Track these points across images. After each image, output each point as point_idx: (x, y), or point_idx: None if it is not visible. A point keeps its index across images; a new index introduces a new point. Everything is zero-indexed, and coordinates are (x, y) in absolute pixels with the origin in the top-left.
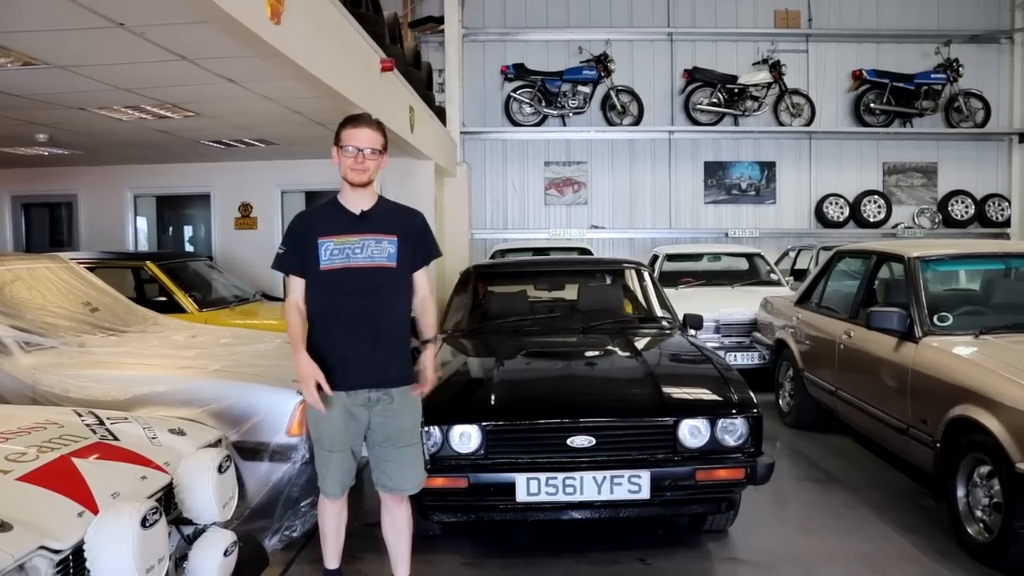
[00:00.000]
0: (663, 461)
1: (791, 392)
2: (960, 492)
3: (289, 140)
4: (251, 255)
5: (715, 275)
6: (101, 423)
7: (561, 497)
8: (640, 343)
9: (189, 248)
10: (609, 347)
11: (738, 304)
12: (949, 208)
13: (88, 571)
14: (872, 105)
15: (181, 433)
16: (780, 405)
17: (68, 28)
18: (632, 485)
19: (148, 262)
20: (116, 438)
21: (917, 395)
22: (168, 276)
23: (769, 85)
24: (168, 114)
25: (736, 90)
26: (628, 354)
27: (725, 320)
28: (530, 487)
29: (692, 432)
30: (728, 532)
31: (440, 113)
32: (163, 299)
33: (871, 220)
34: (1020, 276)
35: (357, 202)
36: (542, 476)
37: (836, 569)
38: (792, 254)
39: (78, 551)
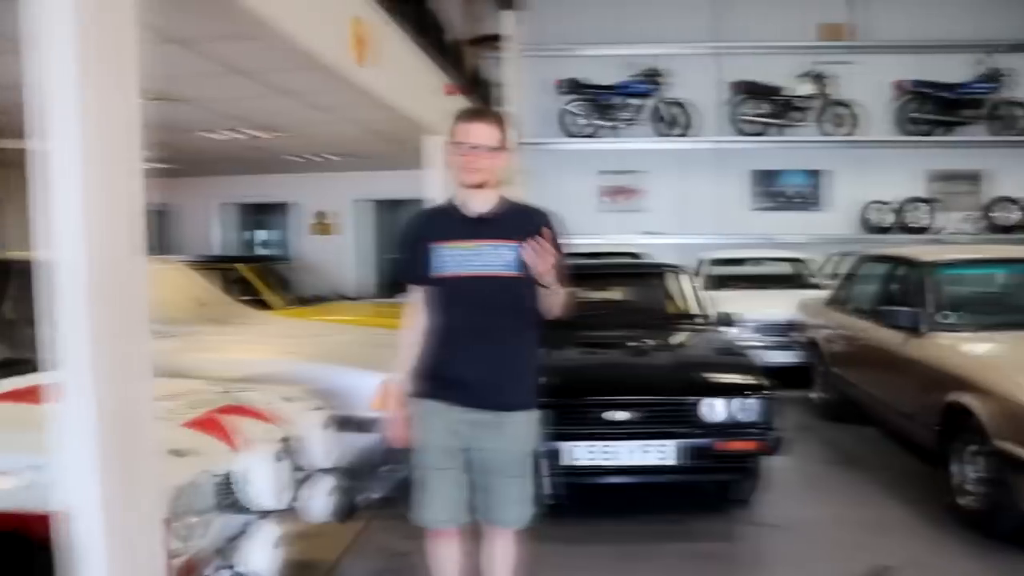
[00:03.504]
0: (687, 433)
1: (823, 387)
2: (954, 468)
3: (363, 155)
4: (328, 259)
5: (759, 279)
6: (228, 392)
7: (603, 462)
8: (674, 336)
9: (268, 252)
10: (646, 339)
11: (777, 306)
12: (994, 214)
13: (235, 492)
14: (916, 114)
15: (290, 400)
16: (814, 399)
17: (200, 74)
18: (661, 452)
19: (238, 264)
20: (243, 402)
21: (921, 384)
22: (257, 277)
23: (814, 96)
24: (261, 134)
25: (782, 101)
26: (662, 344)
27: (765, 320)
28: (574, 453)
29: (712, 409)
30: (751, 501)
31: None
32: (251, 298)
33: (916, 226)
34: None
35: (474, 204)
36: (584, 444)
37: (842, 532)
38: (836, 259)
39: (227, 477)
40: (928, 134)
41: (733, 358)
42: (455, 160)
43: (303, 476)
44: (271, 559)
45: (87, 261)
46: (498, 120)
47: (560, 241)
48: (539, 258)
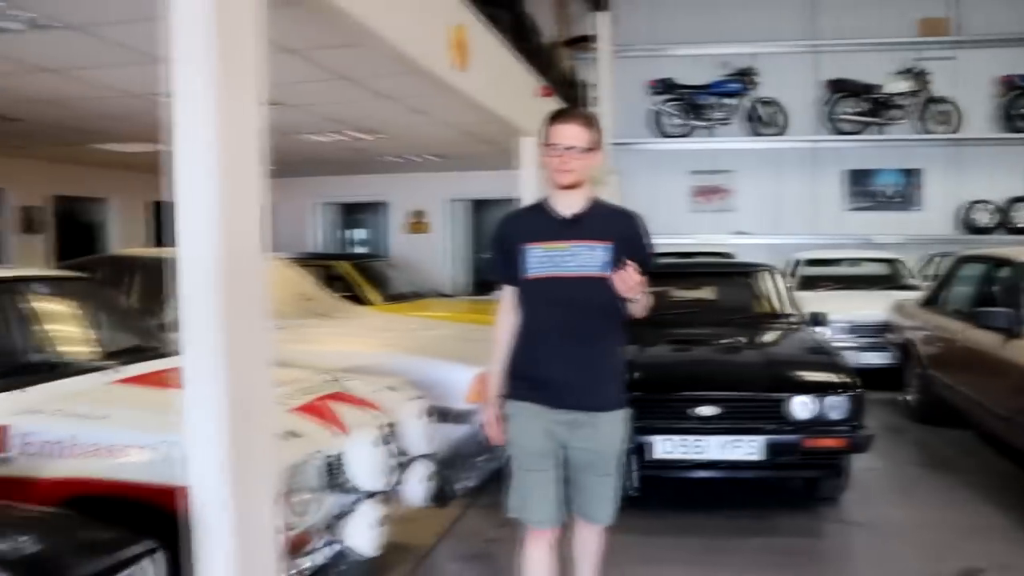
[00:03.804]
0: (776, 430)
1: (917, 389)
2: None
3: (458, 155)
4: (422, 257)
5: (854, 279)
6: (336, 380)
7: (690, 456)
8: (764, 335)
9: (364, 250)
10: (737, 337)
11: (872, 306)
12: None
13: (341, 473)
14: (1020, 111)
15: (391, 390)
16: (908, 401)
17: (308, 80)
18: (749, 448)
19: (338, 261)
20: (347, 390)
21: (1018, 387)
22: (355, 273)
23: (913, 93)
24: (363, 136)
25: (879, 99)
26: (752, 342)
27: (859, 321)
28: (665, 447)
29: (801, 406)
30: (839, 500)
31: None
32: (349, 294)
33: (1021, 226)
34: None
35: (566, 205)
36: (675, 438)
37: (931, 533)
38: (937, 260)
39: (334, 459)
40: None
41: (822, 356)
42: (547, 161)
43: (402, 461)
44: (373, 537)
45: (219, 257)
46: (589, 121)
47: (646, 242)
48: (625, 285)
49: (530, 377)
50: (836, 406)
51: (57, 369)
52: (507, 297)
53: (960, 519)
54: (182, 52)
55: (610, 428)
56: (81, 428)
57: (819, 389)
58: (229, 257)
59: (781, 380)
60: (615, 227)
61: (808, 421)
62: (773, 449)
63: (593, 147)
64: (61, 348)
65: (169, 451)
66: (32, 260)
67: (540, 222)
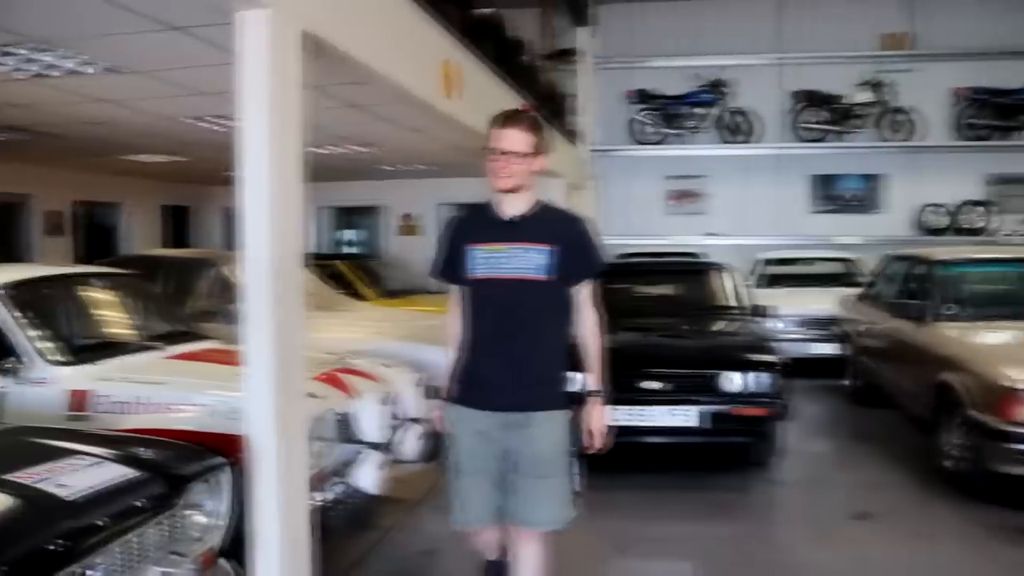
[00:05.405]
0: (710, 401)
1: (854, 375)
2: (942, 437)
3: (446, 165)
4: (413, 257)
5: (812, 277)
6: (343, 359)
7: (636, 422)
8: (710, 324)
9: (359, 250)
10: (685, 325)
11: (822, 302)
12: None
13: (350, 428)
14: (974, 120)
15: (389, 367)
16: (847, 386)
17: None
18: (686, 416)
19: (336, 261)
20: (353, 366)
21: (922, 367)
22: (352, 272)
23: (874, 104)
24: (362, 149)
25: (842, 109)
26: (698, 330)
27: (809, 315)
28: (614, 415)
29: (730, 381)
30: (768, 464)
31: (573, 133)
32: (347, 290)
33: (971, 228)
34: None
35: (509, 207)
36: (623, 408)
37: (839, 489)
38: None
39: (345, 416)
40: (986, 139)
41: (752, 341)
42: (488, 165)
43: (399, 423)
44: (375, 479)
45: (273, 257)
46: (531, 124)
47: (591, 246)
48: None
49: (468, 379)
50: (761, 381)
51: (117, 348)
52: (455, 297)
53: (868, 478)
54: (248, 94)
55: (546, 429)
56: (144, 391)
57: (747, 367)
58: (280, 257)
59: (715, 359)
60: (557, 231)
61: (737, 393)
62: (707, 417)
63: (535, 151)
64: (118, 331)
65: (215, 407)
66: (57, 260)
67: (483, 223)
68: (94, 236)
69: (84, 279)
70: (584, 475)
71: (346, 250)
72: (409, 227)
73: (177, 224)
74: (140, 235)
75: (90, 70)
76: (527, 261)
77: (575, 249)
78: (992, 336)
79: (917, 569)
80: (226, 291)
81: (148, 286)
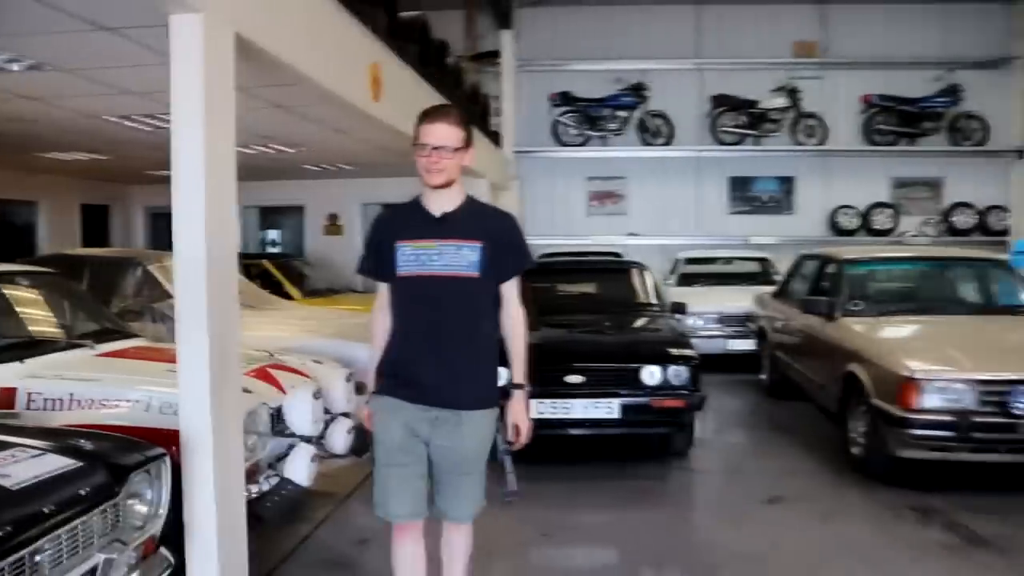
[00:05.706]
0: (629, 393)
1: (769, 369)
2: (850, 425)
3: (371, 164)
4: (337, 257)
5: (728, 276)
6: (272, 356)
7: (559, 415)
8: (630, 320)
9: (284, 250)
10: (606, 321)
11: (738, 300)
12: (953, 218)
13: (282, 422)
14: (881, 126)
15: (319, 363)
16: (762, 380)
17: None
18: (607, 408)
19: (263, 260)
20: (284, 362)
21: (831, 360)
22: (278, 271)
23: (786, 109)
24: (287, 149)
25: (757, 113)
26: (618, 326)
27: (726, 312)
28: (538, 408)
29: (650, 375)
30: (687, 454)
31: (496, 135)
32: (274, 289)
33: (880, 229)
34: (927, 274)
35: (438, 204)
36: (547, 401)
37: (756, 476)
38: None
39: (277, 411)
40: (892, 144)
41: (669, 336)
42: (418, 161)
43: (329, 417)
44: (307, 472)
45: (206, 255)
46: (459, 119)
47: (519, 242)
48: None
49: (397, 374)
50: (677, 374)
51: (45, 345)
52: (383, 294)
53: (781, 466)
54: (181, 96)
55: (474, 427)
56: (77, 388)
57: (664, 360)
58: (214, 257)
59: (634, 354)
60: (486, 227)
61: (655, 386)
62: (627, 409)
63: (463, 145)
64: (44, 329)
65: (149, 403)
66: None
67: (412, 220)
68: (9, 235)
69: (7, 277)
70: (514, 473)
71: (271, 250)
72: (334, 227)
73: (97, 223)
74: (58, 234)
75: (15, 67)
76: (459, 258)
77: (505, 246)
78: (895, 330)
79: (826, 548)
80: (152, 290)
81: (73, 285)
